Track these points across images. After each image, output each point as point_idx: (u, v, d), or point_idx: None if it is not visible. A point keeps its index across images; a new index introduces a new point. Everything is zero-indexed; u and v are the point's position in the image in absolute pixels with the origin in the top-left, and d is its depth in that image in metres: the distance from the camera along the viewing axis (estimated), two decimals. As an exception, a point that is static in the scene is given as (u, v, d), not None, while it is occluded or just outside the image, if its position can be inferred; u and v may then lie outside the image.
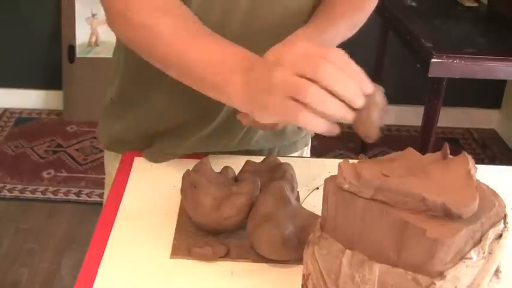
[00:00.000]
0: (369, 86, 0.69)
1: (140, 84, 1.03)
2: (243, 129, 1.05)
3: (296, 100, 0.68)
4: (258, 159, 0.98)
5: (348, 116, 0.68)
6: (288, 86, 0.68)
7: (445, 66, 1.92)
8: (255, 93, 0.73)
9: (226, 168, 0.93)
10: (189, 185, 0.87)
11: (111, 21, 0.91)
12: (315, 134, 1.22)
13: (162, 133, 1.05)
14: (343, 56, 0.68)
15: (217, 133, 1.04)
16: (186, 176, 0.88)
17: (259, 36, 0.96)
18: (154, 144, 1.06)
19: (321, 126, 0.68)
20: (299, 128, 1.15)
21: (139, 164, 1.04)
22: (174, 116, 1.03)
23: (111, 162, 1.11)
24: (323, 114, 0.67)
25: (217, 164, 0.97)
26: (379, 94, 0.71)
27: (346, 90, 0.67)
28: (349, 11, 1.02)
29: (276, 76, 0.69)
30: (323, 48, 0.69)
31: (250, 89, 0.74)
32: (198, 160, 0.92)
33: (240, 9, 0.93)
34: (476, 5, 2.46)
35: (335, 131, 0.70)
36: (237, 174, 0.94)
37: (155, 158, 1.05)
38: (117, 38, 1.00)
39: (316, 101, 0.67)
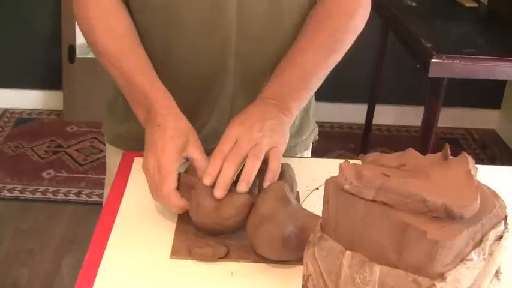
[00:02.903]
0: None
1: None
2: None
3: None
4: (258, 159, 0.98)
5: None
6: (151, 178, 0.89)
7: (445, 66, 1.92)
8: (146, 139, 0.93)
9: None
10: (187, 187, 0.88)
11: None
12: (317, 135, 1.23)
13: None
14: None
15: (215, 131, 1.04)
16: (182, 178, 0.89)
17: (250, 37, 0.98)
18: None
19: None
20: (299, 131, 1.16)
21: (140, 164, 1.04)
22: None
23: (113, 160, 1.11)
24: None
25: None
26: None
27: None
28: (326, 41, 1.01)
29: (148, 162, 0.90)
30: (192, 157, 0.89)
31: (146, 130, 0.94)
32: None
33: (228, 9, 0.96)
34: (476, 5, 2.46)
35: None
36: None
37: None
38: None
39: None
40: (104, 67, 1.00)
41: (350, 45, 1.03)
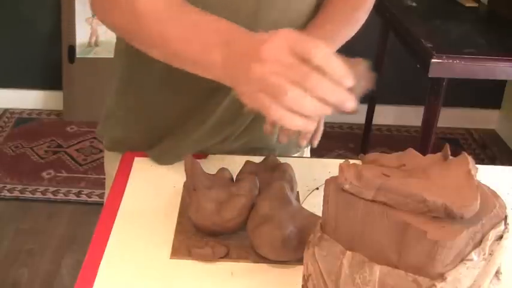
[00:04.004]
0: (350, 80, 0.66)
1: (139, 86, 1.03)
2: (243, 122, 1.05)
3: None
4: (258, 159, 0.98)
5: (328, 113, 0.66)
6: (265, 84, 0.65)
7: (445, 66, 1.92)
8: (234, 78, 0.71)
9: (222, 169, 0.93)
10: (187, 189, 0.88)
11: (94, 4, 0.88)
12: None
13: (164, 132, 1.05)
14: (329, 59, 0.65)
15: (218, 127, 1.04)
16: (186, 183, 0.89)
17: (270, 15, 0.96)
18: (156, 145, 1.05)
19: (296, 123, 0.65)
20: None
21: (139, 164, 1.04)
22: (175, 113, 1.03)
23: (111, 164, 1.11)
24: (300, 114, 0.65)
25: (217, 164, 0.97)
26: (360, 68, 0.70)
27: (335, 97, 0.65)
28: (348, 11, 1.02)
29: (255, 71, 0.66)
30: (306, 44, 0.65)
31: (230, 71, 0.72)
32: (200, 160, 0.92)
33: (246, 7, 0.93)
34: (476, 5, 2.46)
35: (310, 127, 0.67)
36: (236, 174, 0.94)
37: (158, 159, 1.04)
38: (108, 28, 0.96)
39: (294, 104, 0.64)
40: (147, 38, 0.83)
41: (360, 26, 1.05)
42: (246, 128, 1.07)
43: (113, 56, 1.11)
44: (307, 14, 1.01)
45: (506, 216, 0.63)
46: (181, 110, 1.02)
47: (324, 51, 0.65)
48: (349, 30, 1.03)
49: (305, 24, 1.01)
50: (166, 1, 0.82)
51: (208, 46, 0.74)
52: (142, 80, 1.02)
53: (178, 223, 0.89)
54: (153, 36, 0.81)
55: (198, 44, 0.76)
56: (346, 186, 0.62)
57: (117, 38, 1.05)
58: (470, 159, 0.64)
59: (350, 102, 0.66)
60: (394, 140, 3.15)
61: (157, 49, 0.83)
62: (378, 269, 0.60)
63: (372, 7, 1.06)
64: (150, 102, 1.03)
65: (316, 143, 0.85)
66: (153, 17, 0.80)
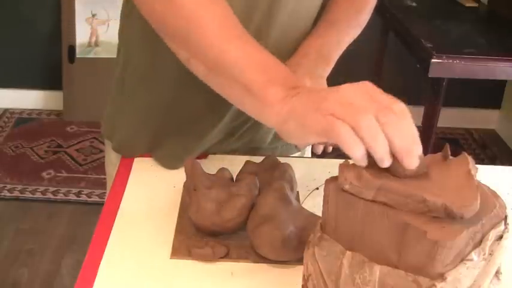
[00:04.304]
0: (420, 149, 0.64)
1: (153, 85, 1.02)
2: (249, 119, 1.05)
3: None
4: (258, 159, 0.98)
5: (386, 163, 0.63)
6: (340, 106, 0.63)
7: (445, 66, 1.92)
8: (296, 108, 0.69)
9: (222, 169, 0.93)
10: (187, 189, 0.88)
11: (145, 3, 0.83)
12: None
13: (173, 133, 1.04)
14: (407, 113, 0.64)
15: (227, 127, 1.04)
16: (186, 183, 0.89)
17: (274, 36, 0.97)
18: (163, 146, 1.05)
19: (358, 151, 0.63)
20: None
21: (140, 164, 1.04)
22: (187, 114, 1.02)
23: (113, 165, 1.10)
24: (367, 146, 0.62)
25: (217, 164, 0.97)
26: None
27: (404, 143, 0.63)
28: (351, 13, 1.04)
29: (330, 98, 0.65)
30: (388, 97, 0.65)
31: (291, 104, 0.69)
32: (200, 160, 0.92)
33: (259, 8, 0.93)
34: (476, 5, 2.46)
35: (363, 163, 0.64)
36: (236, 174, 0.94)
37: (162, 160, 1.04)
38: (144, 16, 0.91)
39: (368, 130, 0.62)
40: (196, 49, 0.79)
41: (362, 28, 1.06)
42: (248, 128, 1.07)
43: (113, 56, 1.10)
44: (315, 12, 1.03)
45: (506, 216, 0.63)
46: (194, 111, 1.01)
47: (402, 105, 0.64)
48: (353, 33, 1.04)
49: (311, 22, 1.02)
50: (227, 15, 0.79)
51: (271, 81, 0.72)
52: (157, 79, 1.01)
53: (178, 223, 0.89)
54: (207, 49, 0.77)
55: (262, 74, 0.74)
56: (346, 186, 0.62)
57: (132, 38, 1.03)
58: (470, 159, 0.65)
59: (414, 159, 0.62)
60: (394, 140, 3.15)
61: (201, 61, 0.79)
62: (378, 269, 0.60)
63: (373, 8, 1.07)
64: (163, 102, 1.02)
65: (330, 148, 0.85)
66: (214, 30, 0.77)
